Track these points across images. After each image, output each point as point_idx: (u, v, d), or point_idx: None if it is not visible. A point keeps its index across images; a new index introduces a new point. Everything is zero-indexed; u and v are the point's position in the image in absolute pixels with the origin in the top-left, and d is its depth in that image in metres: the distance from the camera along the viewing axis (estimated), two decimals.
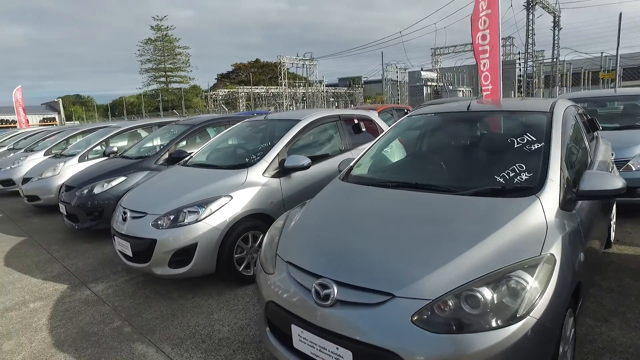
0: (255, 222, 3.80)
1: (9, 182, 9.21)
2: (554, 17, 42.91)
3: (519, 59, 40.23)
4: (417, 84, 44.98)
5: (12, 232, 6.40)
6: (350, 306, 1.88)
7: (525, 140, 2.68)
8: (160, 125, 8.59)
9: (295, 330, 2.05)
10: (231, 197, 3.66)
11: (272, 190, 3.98)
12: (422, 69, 45.87)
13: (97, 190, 5.50)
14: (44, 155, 9.59)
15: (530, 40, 42.04)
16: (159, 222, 3.53)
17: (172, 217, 3.52)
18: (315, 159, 4.36)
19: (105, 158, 7.56)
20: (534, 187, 2.28)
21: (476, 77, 44.42)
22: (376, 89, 66.89)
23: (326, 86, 53.97)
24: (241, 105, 52.77)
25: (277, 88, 57.21)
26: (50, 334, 3.19)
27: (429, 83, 44.51)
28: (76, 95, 69.16)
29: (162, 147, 6.28)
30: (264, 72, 78.93)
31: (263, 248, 2.57)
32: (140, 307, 3.55)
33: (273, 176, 4.04)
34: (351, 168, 3.21)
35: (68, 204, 5.66)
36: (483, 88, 6.81)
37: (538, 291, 1.78)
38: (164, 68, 63.48)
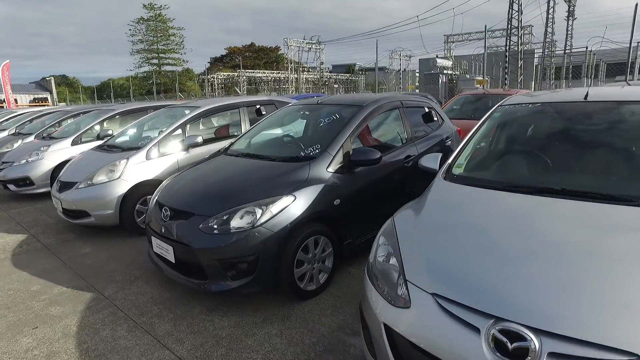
0: None
1: (26, 182, 6.54)
2: (569, 7, 41.37)
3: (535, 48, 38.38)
4: (432, 71, 42.69)
5: (59, 275, 3.83)
6: None
7: None
8: (248, 105, 6.07)
9: None
10: None
11: None
12: (437, 56, 43.62)
13: (239, 222, 2.94)
14: (72, 144, 6.97)
15: (549, 30, 40.27)
16: None
17: None
18: None
19: (185, 153, 5.09)
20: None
21: (496, 66, 42.72)
22: (373, 77, 64.50)
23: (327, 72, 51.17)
24: (242, 91, 49.81)
25: (278, 73, 54.21)
26: None
27: (445, 71, 42.19)
28: (62, 76, 64.48)
29: (315, 143, 3.81)
30: (259, 57, 75.15)
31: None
32: None
33: None
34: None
35: (181, 244, 3.12)
36: None
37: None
38: (156, 49, 59.75)
